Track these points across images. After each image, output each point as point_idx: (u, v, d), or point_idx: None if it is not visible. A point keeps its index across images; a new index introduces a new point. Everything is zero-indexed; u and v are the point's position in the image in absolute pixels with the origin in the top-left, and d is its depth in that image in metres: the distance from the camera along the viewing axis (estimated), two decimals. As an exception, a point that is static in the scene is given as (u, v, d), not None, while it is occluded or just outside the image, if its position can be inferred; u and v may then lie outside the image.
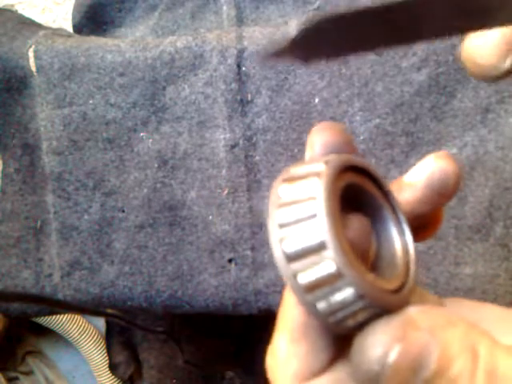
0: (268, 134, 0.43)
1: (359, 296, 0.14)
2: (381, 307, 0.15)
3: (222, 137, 0.43)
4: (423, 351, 0.15)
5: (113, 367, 0.67)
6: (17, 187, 0.47)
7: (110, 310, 0.47)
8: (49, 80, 0.44)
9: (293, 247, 0.14)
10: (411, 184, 0.18)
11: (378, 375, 0.15)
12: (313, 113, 0.42)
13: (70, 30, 0.54)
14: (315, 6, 0.48)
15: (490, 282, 0.41)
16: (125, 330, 0.64)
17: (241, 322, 0.55)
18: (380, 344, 0.14)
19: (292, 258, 0.14)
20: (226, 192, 0.43)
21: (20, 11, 0.64)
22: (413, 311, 0.15)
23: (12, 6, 0.65)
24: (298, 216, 0.14)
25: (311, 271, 0.14)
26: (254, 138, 0.43)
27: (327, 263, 0.14)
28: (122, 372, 0.66)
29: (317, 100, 0.42)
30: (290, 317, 0.16)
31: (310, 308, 0.14)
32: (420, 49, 0.41)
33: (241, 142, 0.43)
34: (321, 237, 0.13)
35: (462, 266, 0.41)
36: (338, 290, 0.14)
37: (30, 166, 0.46)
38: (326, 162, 0.15)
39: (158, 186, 0.44)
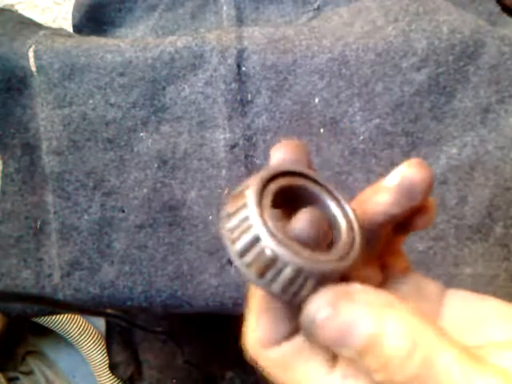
0: (268, 134, 0.43)
1: (298, 270, 0.17)
2: (320, 275, 0.17)
3: (221, 137, 0.43)
4: (351, 321, 0.16)
5: (113, 367, 0.67)
6: (17, 187, 0.47)
7: (109, 310, 0.47)
8: (49, 80, 0.44)
9: (239, 245, 0.17)
10: (385, 188, 0.20)
11: (307, 334, 0.17)
12: (313, 113, 0.42)
13: (70, 29, 0.54)
14: (315, 5, 0.48)
15: (490, 283, 0.41)
16: (125, 330, 0.64)
17: (241, 322, 0.55)
18: (313, 305, 0.17)
19: (241, 253, 0.17)
20: (225, 192, 0.43)
21: (20, 11, 0.64)
22: (356, 287, 0.17)
23: (12, 5, 0.65)
24: (239, 221, 0.18)
25: (256, 260, 0.17)
26: (254, 138, 0.43)
27: (265, 251, 0.17)
28: (121, 372, 0.66)
29: (317, 100, 0.42)
30: (255, 297, 0.19)
31: (267, 290, 0.17)
32: (420, 49, 0.41)
33: (241, 142, 0.43)
34: (254, 232, 0.17)
35: (462, 266, 0.41)
36: (281, 269, 0.17)
37: (30, 166, 0.46)
38: (256, 176, 0.18)
39: (158, 185, 0.44)
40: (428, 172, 0.19)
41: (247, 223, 0.17)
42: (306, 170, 0.20)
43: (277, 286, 0.17)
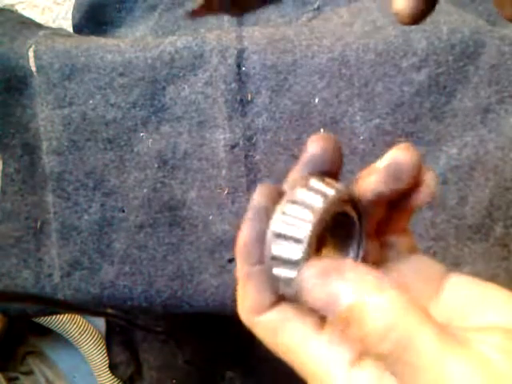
0: (268, 134, 0.43)
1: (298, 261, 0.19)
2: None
3: (221, 137, 0.43)
4: (335, 292, 0.18)
5: (113, 367, 0.67)
6: (17, 187, 0.46)
7: (110, 310, 0.47)
8: (49, 80, 0.44)
9: (278, 248, 0.20)
10: (376, 168, 0.22)
11: (296, 297, 0.19)
12: (313, 113, 0.42)
13: (70, 29, 0.54)
14: (315, 5, 0.48)
15: (490, 282, 0.41)
16: (125, 330, 0.64)
17: (241, 322, 0.55)
18: (304, 274, 0.18)
19: (276, 239, 0.20)
20: (226, 192, 0.43)
21: (20, 11, 0.64)
22: (347, 263, 0.19)
23: (12, 5, 0.65)
24: (289, 234, 0.20)
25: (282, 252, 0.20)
26: (254, 138, 0.43)
27: (292, 252, 0.19)
28: (121, 372, 0.66)
29: (317, 100, 0.42)
30: (241, 271, 0.21)
31: (269, 270, 0.20)
32: (420, 49, 0.41)
33: (241, 142, 0.43)
34: (297, 255, 0.19)
35: (462, 265, 0.41)
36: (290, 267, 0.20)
37: (30, 166, 0.46)
38: (323, 199, 0.20)
39: (158, 186, 0.44)
40: (414, 155, 0.21)
41: (294, 244, 0.19)
42: (355, 195, 0.22)
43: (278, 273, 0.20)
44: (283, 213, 0.20)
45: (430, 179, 0.22)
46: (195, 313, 0.45)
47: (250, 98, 0.43)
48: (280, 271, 0.20)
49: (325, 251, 0.22)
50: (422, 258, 0.23)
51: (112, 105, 0.44)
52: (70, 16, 0.54)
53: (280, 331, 0.20)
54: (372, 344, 0.17)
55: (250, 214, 0.21)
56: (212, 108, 0.43)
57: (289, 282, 0.20)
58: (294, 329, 0.20)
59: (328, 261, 0.19)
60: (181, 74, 0.43)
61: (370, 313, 0.17)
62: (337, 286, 0.18)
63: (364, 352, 0.19)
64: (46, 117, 0.45)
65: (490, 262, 0.41)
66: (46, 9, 0.64)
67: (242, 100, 0.43)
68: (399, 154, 0.22)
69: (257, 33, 0.43)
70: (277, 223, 0.20)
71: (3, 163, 0.47)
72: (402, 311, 0.17)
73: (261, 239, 0.21)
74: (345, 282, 0.18)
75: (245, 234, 0.21)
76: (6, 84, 0.45)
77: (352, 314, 0.17)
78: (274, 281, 0.20)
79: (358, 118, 0.42)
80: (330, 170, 0.22)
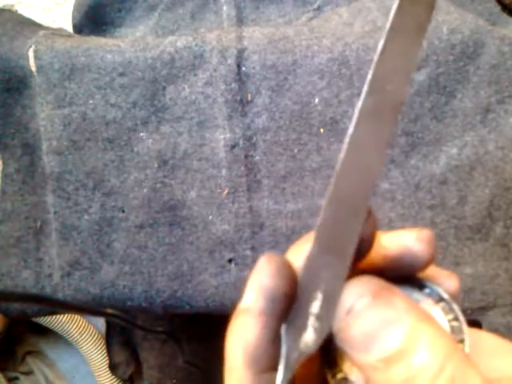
0: (268, 134, 0.43)
1: None
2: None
3: (221, 137, 0.43)
4: (390, 316, 0.15)
5: (113, 367, 0.67)
6: (17, 187, 0.46)
7: (110, 310, 0.47)
8: (49, 80, 0.44)
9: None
10: (385, 253, 0.18)
11: (338, 329, 0.15)
12: (313, 113, 0.42)
13: (70, 30, 0.54)
14: (315, 5, 0.48)
15: (490, 282, 0.41)
16: (125, 330, 0.64)
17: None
18: (353, 292, 0.15)
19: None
20: (226, 192, 0.43)
21: (20, 11, 0.64)
22: (392, 287, 0.16)
23: (12, 6, 0.65)
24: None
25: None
26: (254, 138, 0.43)
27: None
28: (121, 372, 0.66)
29: (317, 100, 0.42)
30: (240, 377, 0.17)
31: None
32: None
33: (241, 142, 0.43)
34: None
35: (462, 265, 0.41)
36: None
37: (30, 166, 0.46)
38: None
39: (158, 186, 0.44)
40: (433, 251, 0.18)
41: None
42: None
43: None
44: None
45: (450, 285, 0.19)
46: (195, 313, 0.45)
47: (250, 98, 0.43)
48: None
49: None
50: None
51: (112, 105, 0.44)
52: (69, 16, 0.54)
53: None
54: None
55: (260, 303, 0.16)
56: (212, 108, 0.43)
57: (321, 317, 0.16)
58: None
59: (376, 281, 0.16)
60: (181, 74, 0.43)
61: (422, 349, 0.15)
62: (393, 312, 0.15)
63: None
64: (46, 117, 0.45)
65: (490, 262, 0.41)
66: (46, 9, 0.64)
67: (241, 100, 0.43)
68: (419, 248, 0.18)
69: (257, 33, 0.43)
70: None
71: (3, 163, 0.47)
72: (451, 351, 0.15)
73: (274, 339, 0.16)
74: (399, 308, 0.15)
75: (254, 332, 0.16)
76: (6, 84, 0.45)
77: (403, 349, 0.15)
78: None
79: (358, 117, 0.42)
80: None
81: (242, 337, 0.16)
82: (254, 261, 0.43)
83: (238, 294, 0.43)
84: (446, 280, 0.19)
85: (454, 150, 0.42)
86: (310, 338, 0.16)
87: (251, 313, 0.16)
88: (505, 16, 0.46)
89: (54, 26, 0.63)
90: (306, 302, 0.16)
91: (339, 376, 0.19)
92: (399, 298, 0.16)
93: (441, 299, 0.19)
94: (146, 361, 0.63)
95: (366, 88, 0.15)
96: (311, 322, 0.16)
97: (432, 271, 0.19)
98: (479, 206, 0.41)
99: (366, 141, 0.15)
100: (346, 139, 0.15)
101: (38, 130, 0.45)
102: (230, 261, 0.43)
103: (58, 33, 0.48)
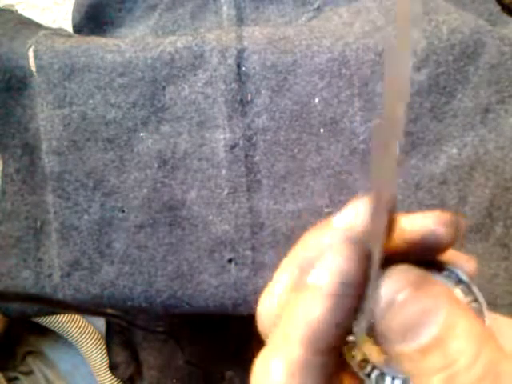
0: (268, 134, 0.43)
1: None
2: None
3: (221, 137, 0.43)
4: (431, 306, 0.15)
5: (113, 367, 0.66)
6: (17, 187, 0.46)
7: (110, 310, 0.47)
8: (49, 80, 0.44)
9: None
10: (406, 231, 0.18)
11: (376, 321, 0.16)
12: (313, 113, 0.42)
13: (70, 30, 0.54)
14: (315, 5, 0.48)
15: (490, 282, 0.41)
16: (125, 329, 0.64)
17: (241, 322, 0.55)
18: (393, 284, 0.15)
19: None
20: (225, 192, 0.43)
21: (20, 11, 0.64)
22: (430, 277, 0.16)
23: (12, 6, 0.65)
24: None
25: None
26: (254, 138, 0.43)
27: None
28: (121, 372, 0.66)
29: (317, 100, 0.42)
30: (292, 351, 0.17)
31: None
32: (420, 49, 0.41)
33: (241, 142, 0.43)
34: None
35: (462, 265, 0.41)
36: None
37: (30, 166, 0.46)
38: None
39: (158, 185, 0.44)
40: (454, 233, 0.18)
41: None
42: None
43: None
44: None
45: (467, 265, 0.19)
46: (195, 313, 0.45)
47: (249, 98, 0.43)
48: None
49: None
50: None
51: (112, 105, 0.44)
52: (70, 16, 0.54)
53: None
54: (459, 372, 0.15)
55: (334, 285, 0.16)
56: (212, 108, 0.43)
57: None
58: None
59: (414, 270, 0.16)
60: (181, 74, 0.43)
61: (459, 335, 0.15)
62: (432, 302, 0.15)
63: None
64: (46, 117, 0.45)
65: (490, 262, 0.41)
66: (46, 9, 0.64)
67: (241, 100, 0.43)
68: (441, 232, 0.18)
69: (257, 33, 0.43)
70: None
71: (3, 163, 0.47)
72: (485, 336, 0.15)
73: (337, 324, 0.16)
74: (437, 298, 0.15)
75: (321, 312, 0.16)
76: (6, 84, 0.45)
77: (440, 337, 0.15)
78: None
79: (357, 118, 0.42)
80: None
81: (306, 313, 0.16)
82: (254, 261, 0.43)
83: (238, 294, 0.43)
84: (464, 263, 0.19)
85: (454, 150, 0.42)
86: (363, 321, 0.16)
87: (322, 292, 0.16)
88: (505, 16, 0.46)
89: (54, 26, 0.63)
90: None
91: (359, 357, 0.19)
92: (436, 287, 0.16)
93: (460, 281, 0.19)
94: (146, 361, 0.63)
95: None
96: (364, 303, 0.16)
97: (450, 254, 0.19)
98: (479, 206, 0.41)
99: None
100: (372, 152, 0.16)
101: (37, 130, 0.45)
102: (229, 261, 0.43)
103: (58, 33, 0.48)
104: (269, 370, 0.17)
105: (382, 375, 0.18)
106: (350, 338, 0.19)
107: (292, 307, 0.17)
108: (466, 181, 0.41)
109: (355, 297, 0.16)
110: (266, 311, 0.20)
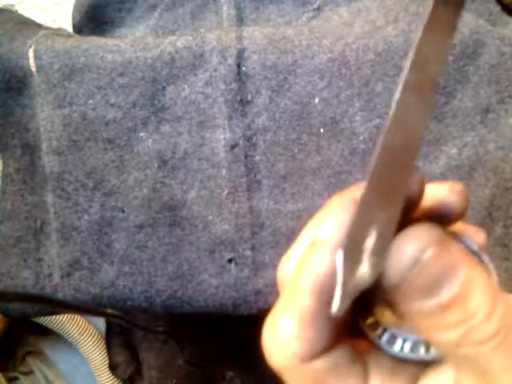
0: (268, 134, 0.43)
1: None
2: None
3: (221, 137, 0.43)
4: (454, 263, 0.16)
5: (113, 367, 0.67)
6: (17, 187, 0.46)
7: (110, 310, 0.47)
8: (49, 80, 0.44)
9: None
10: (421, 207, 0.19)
11: (396, 281, 0.16)
12: (313, 113, 0.42)
13: (70, 30, 0.54)
14: (315, 5, 0.48)
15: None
16: (125, 330, 0.64)
17: (241, 322, 0.55)
18: (417, 243, 0.16)
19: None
20: (226, 192, 0.43)
21: (20, 11, 0.64)
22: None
23: (12, 6, 0.65)
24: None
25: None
26: (254, 138, 0.43)
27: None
28: (121, 372, 0.66)
29: (317, 100, 0.42)
30: (302, 302, 0.17)
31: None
32: (420, 49, 0.41)
33: (241, 142, 0.43)
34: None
35: (462, 266, 0.41)
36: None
37: (30, 166, 0.46)
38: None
39: (158, 186, 0.44)
40: (465, 203, 0.19)
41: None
42: None
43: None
44: None
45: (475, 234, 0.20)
46: (195, 313, 0.45)
47: (250, 98, 0.43)
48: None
49: None
50: None
51: (112, 105, 0.44)
52: (70, 16, 0.54)
53: (325, 383, 0.18)
54: (477, 326, 0.16)
55: (338, 237, 0.17)
56: (212, 108, 0.43)
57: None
58: (343, 380, 0.18)
59: (437, 229, 0.16)
60: (181, 74, 0.43)
61: (476, 290, 0.16)
62: (453, 261, 0.16)
63: (461, 340, 0.16)
64: (46, 117, 0.45)
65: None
66: (46, 9, 0.64)
67: (241, 100, 0.43)
68: (452, 201, 0.19)
69: (257, 33, 0.43)
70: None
71: (3, 163, 0.47)
72: (499, 293, 0.16)
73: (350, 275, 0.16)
74: (457, 257, 0.16)
75: (328, 264, 0.17)
76: (6, 84, 0.45)
77: (460, 294, 0.16)
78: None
79: (358, 118, 0.42)
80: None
81: (315, 267, 0.17)
82: (254, 261, 0.43)
83: (238, 294, 0.43)
84: (474, 234, 0.20)
85: (454, 150, 0.42)
86: (365, 271, 0.16)
87: (327, 246, 0.17)
88: (505, 16, 0.46)
89: (54, 26, 0.63)
90: (361, 236, 0.17)
91: (370, 320, 0.19)
92: (455, 246, 0.17)
93: (471, 251, 0.19)
94: (146, 361, 0.63)
95: (408, 66, 0.17)
96: (366, 256, 0.16)
97: (460, 226, 0.20)
98: (479, 206, 0.41)
99: (411, 105, 0.17)
100: (394, 103, 0.17)
101: (37, 129, 0.45)
102: (229, 261, 0.43)
103: (58, 33, 0.48)
104: (281, 322, 0.17)
105: (393, 337, 0.19)
106: (363, 302, 0.19)
107: (302, 262, 0.18)
108: (466, 181, 0.41)
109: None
110: (285, 275, 0.20)
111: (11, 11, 0.55)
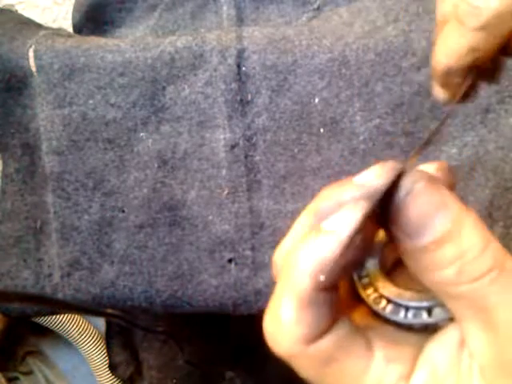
0: (268, 134, 0.43)
1: None
2: None
3: (221, 137, 0.43)
4: (443, 199, 0.17)
5: (113, 367, 0.67)
6: (17, 187, 0.47)
7: (109, 310, 0.47)
8: (49, 80, 0.44)
9: None
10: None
11: (396, 210, 0.17)
12: (313, 113, 0.42)
13: (70, 29, 0.54)
14: (315, 5, 0.48)
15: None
16: (125, 330, 0.64)
17: (241, 322, 0.55)
18: (412, 177, 0.17)
19: None
20: (226, 192, 0.43)
21: (20, 11, 0.64)
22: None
23: (12, 5, 0.65)
24: None
25: None
26: (254, 138, 0.43)
27: None
28: (121, 372, 0.66)
29: (317, 100, 0.42)
30: (298, 286, 0.18)
31: None
32: (420, 49, 0.41)
33: (241, 142, 0.43)
34: None
35: (462, 266, 0.41)
36: None
37: (30, 166, 0.46)
38: None
39: (158, 186, 0.44)
40: (453, 180, 0.21)
41: None
42: None
43: None
44: None
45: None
46: (195, 313, 0.45)
47: (250, 98, 0.43)
48: None
49: None
50: None
51: (112, 105, 0.44)
52: (70, 16, 0.54)
53: (332, 360, 0.18)
54: (469, 262, 0.17)
55: (349, 235, 0.17)
56: (212, 108, 0.43)
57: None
58: (348, 354, 0.18)
59: (429, 172, 0.18)
60: (181, 74, 0.43)
61: (468, 229, 0.17)
62: (444, 197, 0.17)
63: (453, 278, 0.17)
64: (46, 117, 0.45)
65: (490, 262, 0.41)
66: (46, 9, 0.64)
67: (241, 100, 0.43)
68: (437, 174, 0.21)
69: (257, 33, 0.43)
70: None
71: (3, 163, 0.47)
72: (489, 233, 0.17)
73: (346, 266, 0.18)
74: (447, 196, 0.18)
75: (334, 252, 0.17)
76: (6, 84, 0.45)
77: (452, 231, 0.17)
78: None
79: (358, 118, 0.42)
80: None
81: (319, 251, 0.17)
82: (254, 261, 0.43)
83: (238, 294, 0.43)
84: None
85: (454, 150, 0.42)
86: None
87: (337, 237, 0.17)
88: (505, 16, 0.46)
89: (54, 26, 0.63)
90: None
91: (373, 295, 0.21)
92: (445, 188, 0.18)
93: None
94: (146, 361, 0.63)
95: None
96: None
97: None
98: (479, 206, 0.41)
99: None
100: None
101: (37, 129, 0.45)
102: (229, 261, 0.43)
103: (58, 33, 0.48)
104: (280, 309, 0.18)
105: (397, 308, 0.20)
106: (365, 278, 0.21)
107: (304, 245, 0.18)
108: (466, 181, 0.41)
109: (366, 247, 0.18)
110: (281, 260, 0.21)
111: (11, 11, 0.55)
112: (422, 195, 0.17)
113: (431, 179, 0.18)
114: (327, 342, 0.18)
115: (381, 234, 0.21)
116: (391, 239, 0.19)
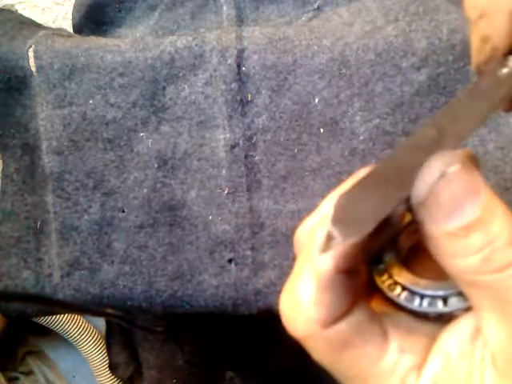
0: (268, 134, 0.43)
1: None
2: None
3: (221, 137, 0.43)
4: (476, 184, 0.17)
5: (113, 367, 0.67)
6: (17, 187, 0.46)
7: (109, 310, 0.47)
8: (49, 80, 0.44)
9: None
10: None
11: (422, 196, 0.17)
12: (313, 113, 0.42)
13: (70, 30, 0.54)
14: (315, 5, 0.48)
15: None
16: (125, 330, 0.64)
17: (241, 322, 0.55)
18: (442, 160, 0.17)
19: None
20: (226, 192, 0.43)
21: (20, 11, 0.64)
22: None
23: (12, 5, 0.65)
24: None
25: None
26: (254, 138, 0.43)
27: None
28: (121, 372, 0.66)
29: (317, 100, 0.42)
30: (319, 267, 0.17)
31: None
32: (420, 49, 0.41)
33: (241, 142, 0.43)
34: None
35: (462, 266, 0.41)
36: None
37: (30, 166, 0.46)
38: None
39: (158, 186, 0.44)
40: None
41: None
42: None
43: None
44: None
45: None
46: (195, 313, 0.45)
47: (250, 98, 0.43)
48: None
49: None
50: None
51: (112, 105, 0.44)
52: (70, 16, 0.54)
53: (348, 345, 0.18)
54: (498, 250, 0.16)
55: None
56: (212, 108, 0.43)
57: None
58: (364, 340, 0.18)
59: (462, 154, 0.17)
60: (181, 74, 0.43)
61: (498, 217, 0.17)
62: (476, 183, 0.17)
63: (481, 265, 0.17)
64: (45, 117, 0.45)
65: (490, 262, 0.41)
66: (46, 9, 0.64)
67: (241, 100, 0.43)
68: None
69: (257, 33, 0.43)
70: None
71: (3, 163, 0.47)
72: None
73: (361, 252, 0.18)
74: (479, 182, 0.17)
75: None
76: (6, 84, 0.45)
77: (482, 218, 0.17)
78: None
79: (357, 118, 0.42)
80: None
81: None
82: (254, 261, 0.43)
83: (238, 294, 0.43)
84: None
85: (454, 150, 0.42)
86: None
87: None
88: (505, 16, 0.46)
89: (54, 26, 0.63)
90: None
91: (389, 282, 0.21)
92: (479, 174, 0.17)
93: None
94: (146, 361, 0.63)
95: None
96: None
97: None
98: (479, 206, 0.41)
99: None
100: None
101: (37, 130, 0.45)
102: (229, 261, 0.43)
103: (58, 33, 0.48)
104: (299, 289, 0.18)
105: (412, 295, 0.20)
106: (380, 265, 0.21)
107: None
108: (466, 181, 0.41)
109: (390, 231, 0.18)
110: (303, 238, 0.21)
111: (11, 11, 0.55)
112: (456, 179, 0.17)
113: (466, 163, 0.17)
114: (344, 326, 0.18)
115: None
116: (414, 222, 0.18)
